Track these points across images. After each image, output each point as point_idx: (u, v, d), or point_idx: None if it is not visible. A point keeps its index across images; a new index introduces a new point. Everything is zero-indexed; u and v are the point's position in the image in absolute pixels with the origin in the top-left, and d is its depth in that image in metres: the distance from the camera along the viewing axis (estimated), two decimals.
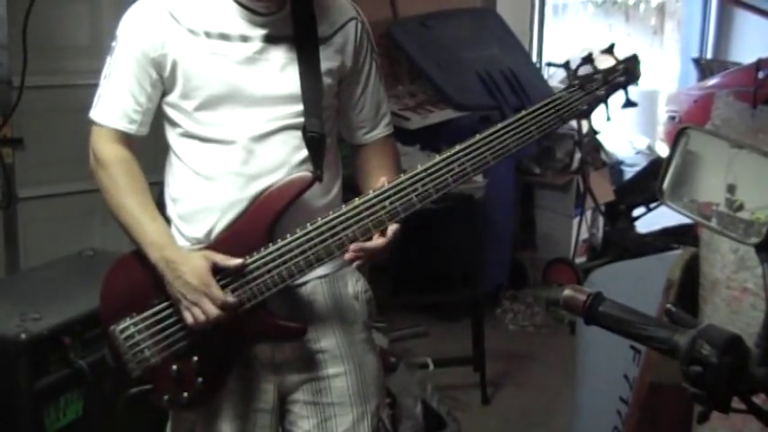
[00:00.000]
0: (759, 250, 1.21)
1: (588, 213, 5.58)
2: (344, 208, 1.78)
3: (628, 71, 1.87)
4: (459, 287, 4.66)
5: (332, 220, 1.77)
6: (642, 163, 6.96)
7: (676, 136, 1.37)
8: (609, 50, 1.92)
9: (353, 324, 2.00)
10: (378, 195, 1.77)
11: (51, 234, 3.90)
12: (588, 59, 1.88)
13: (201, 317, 1.78)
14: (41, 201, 3.93)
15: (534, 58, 6.58)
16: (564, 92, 1.84)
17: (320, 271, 1.91)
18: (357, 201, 1.78)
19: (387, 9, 5.15)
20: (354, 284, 2.02)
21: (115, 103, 1.87)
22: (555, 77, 6.75)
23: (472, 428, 3.77)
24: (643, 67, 1.91)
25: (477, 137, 1.79)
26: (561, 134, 5.41)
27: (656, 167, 5.85)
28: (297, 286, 1.90)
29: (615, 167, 6.61)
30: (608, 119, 1.94)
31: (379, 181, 1.80)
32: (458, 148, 1.79)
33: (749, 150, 1.31)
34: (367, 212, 1.77)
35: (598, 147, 5.85)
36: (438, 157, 1.79)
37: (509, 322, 4.98)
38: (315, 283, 1.94)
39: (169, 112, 1.90)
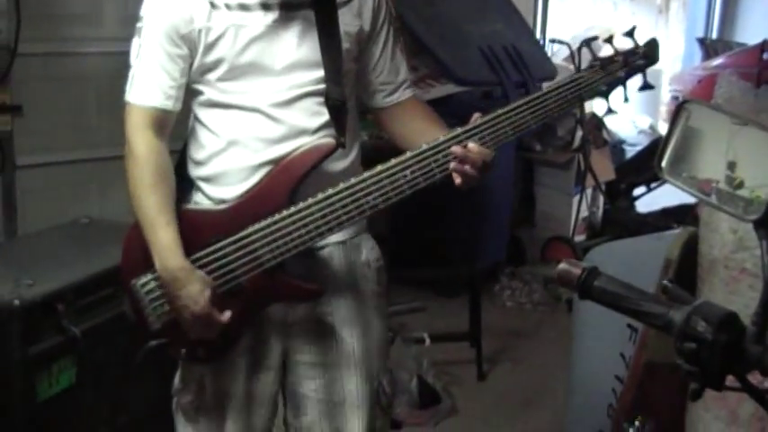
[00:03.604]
0: (758, 227, 1.20)
1: (588, 192, 5.56)
2: (366, 174, 1.82)
3: (647, 54, 1.90)
4: (457, 263, 4.64)
5: (353, 185, 1.81)
6: (644, 142, 6.96)
7: (676, 110, 1.36)
8: (630, 34, 1.96)
9: (364, 291, 2.04)
10: (399, 163, 1.81)
11: (49, 202, 3.89)
12: (609, 41, 1.92)
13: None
14: (40, 169, 3.92)
15: (538, 35, 6.54)
16: (585, 71, 1.89)
17: (338, 237, 1.95)
18: (379, 167, 1.81)
19: None
20: (369, 252, 2.06)
21: (151, 82, 1.88)
22: (558, 54, 6.70)
23: (467, 404, 3.78)
24: (661, 51, 1.95)
25: (499, 111, 1.84)
26: None
27: (657, 147, 5.81)
28: (314, 250, 1.93)
29: (617, 146, 6.60)
30: (626, 100, 1.99)
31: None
32: (480, 121, 1.83)
33: (752, 126, 1.29)
34: (388, 180, 1.80)
35: (600, 125, 5.82)
36: (459, 129, 1.83)
37: (506, 299, 4.97)
38: (332, 248, 1.98)
39: (192, 82, 1.92)
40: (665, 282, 1.28)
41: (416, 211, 4.68)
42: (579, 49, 5.56)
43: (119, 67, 4.18)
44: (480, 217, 4.59)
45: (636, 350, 2.85)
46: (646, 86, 2.01)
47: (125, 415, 2.59)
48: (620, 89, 1.95)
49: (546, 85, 5.36)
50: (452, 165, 1.80)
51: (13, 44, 3.57)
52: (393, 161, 1.81)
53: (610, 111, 1.99)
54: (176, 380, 2.06)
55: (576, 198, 5.45)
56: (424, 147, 1.81)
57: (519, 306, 4.93)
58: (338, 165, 1.92)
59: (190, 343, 1.90)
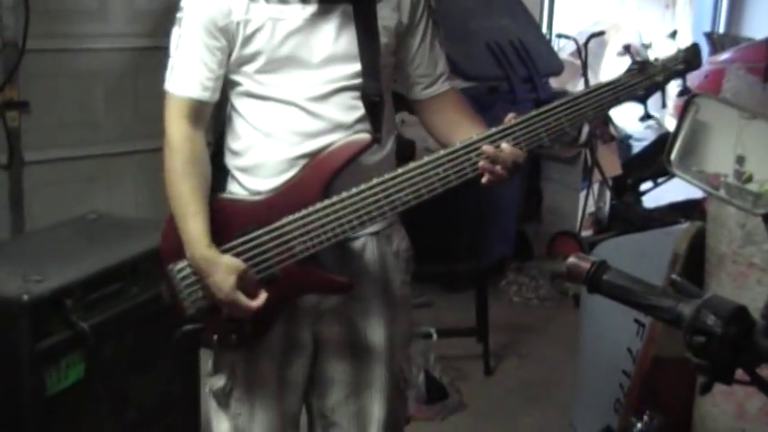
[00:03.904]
0: (767, 221, 1.20)
1: (595, 187, 5.55)
2: (399, 170, 1.84)
3: (687, 59, 1.88)
4: (463, 258, 4.64)
5: (386, 181, 1.83)
6: (651, 137, 6.92)
7: (685, 104, 1.35)
8: (671, 37, 1.94)
9: (393, 280, 2.08)
10: (432, 161, 1.82)
11: (56, 198, 3.91)
12: (648, 46, 1.90)
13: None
14: (47, 165, 3.94)
15: (544, 30, 6.53)
16: (623, 75, 1.87)
17: (372, 228, 1.97)
18: (412, 164, 1.83)
19: None
20: (399, 242, 2.09)
21: (189, 73, 1.92)
22: (565, 49, 6.70)
23: (474, 399, 3.78)
24: (701, 55, 1.93)
25: (534, 112, 1.84)
26: None
27: (664, 142, 5.79)
28: (350, 240, 1.97)
29: (624, 141, 6.57)
30: (663, 105, 1.97)
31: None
32: (514, 122, 1.84)
33: (761, 120, 1.29)
34: (420, 177, 1.82)
35: (607, 120, 5.81)
36: (493, 129, 1.84)
37: (513, 294, 4.97)
38: (365, 239, 2.01)
39: (229, 73, 1.94)
40: (673, 276, 1.28)
41: (423, 207, 4.68)
42: (585, 44, 5.57)
43: (126, 63, 4.23)
44: (487, 212, 4.59)
45: (643, 345, 2.85)
46: (685, 91, 2.01)
47: (133, 409, 2.60)
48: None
49: (552, 81, 5.33)
50: (482, 163, 1.81)
51: (19, 40, 3.59)
52: (426, 158, 1.82)
53: (647, 116, 1.99)
54: (209, 365, 2.09)
55: (583, 193, 5.44)
56: (458, 145, 1.83)
57: (525, 301, 4.93)
58: (373, 157, 1.94)
59: (222, 329, 1.93)
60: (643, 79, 1.86)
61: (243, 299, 1.85)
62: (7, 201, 3.79)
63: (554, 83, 5.36)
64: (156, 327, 2.60)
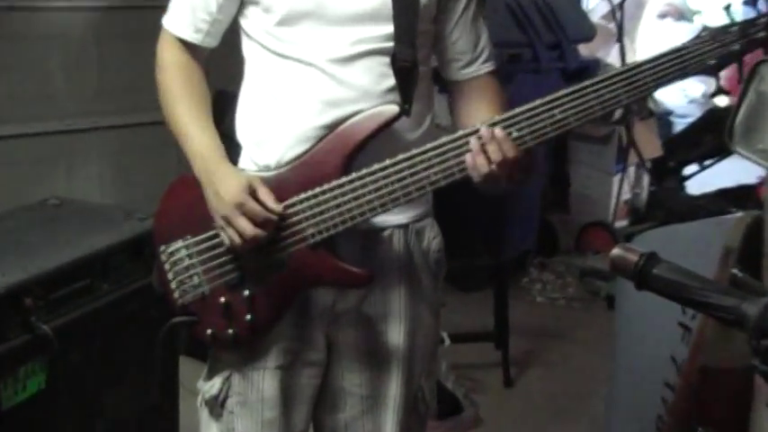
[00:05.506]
0: None
1: (631, 170, 5.57)
2: (429, 145, 1.83)
3: None
4: (480, 253, 4.66)
5: (413, 156, 1.82)
6: (696, 114, 6.93)
7: (751, 71, 1.36)
8: (752, 3, 1.93)
9: (420, 282, 2.07)
10: (466, 135, 1.81)
11: (9, 180, 3.91)
12: (726, 9, 1.89)
13: (236, 238, 1.85)
14: (1, 142, 3.93)
15: None
16: (691, 41, 1.83)
17: (400, 219, 1.98)
18: (444, 139, 1.82)
19: None
20: (430, 241, 2.08)
21: (184, 11, 1.98)
22: (596, 12, 6.70)
23: (492, 413, 3.81)
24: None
25: (587, 82, 1.81)
26: None
27: (712, 119, 5.82)
28: (373, 231, 1.97)
29: (664, 118, 6.58)
30: (741, 80, 1.94)
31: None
32: (562, 93, 1.82)
33: None
34: (453, 153, 1.81)
35: None
36: (539, 101, 1.82)
37: (537, 294, 5.01)
38: (392, 230, 2.00)
39: (245, 24, 1.98)
40: (734, 270, 1.29)
41: (434, 195, 4.69)
42: (621, 4, 5.57)
43: (88, 26, 4.20)
44: (507, 200, 4.60)
45: (690, 353, 2.85)
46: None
47: (104, 423, 2.62)
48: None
49: (582, 48, 5.29)
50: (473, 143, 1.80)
51: None
52: (460, 132, 1.82)
53: (720, 91, 1.96)
54: (204, 373, 2.10)
55: (617, 178, 5.46)
56: (497, 118, 1.81)
57: (551, 302, 4.97)
58: (407, 136, 1.93)
59: (218, 324, 1.93)
60: (716, 47, 1.79)
61: (252, 203, 1.82)
62: None
63: (584, 50, 5.36)
64: (129, 329, 2.62)
